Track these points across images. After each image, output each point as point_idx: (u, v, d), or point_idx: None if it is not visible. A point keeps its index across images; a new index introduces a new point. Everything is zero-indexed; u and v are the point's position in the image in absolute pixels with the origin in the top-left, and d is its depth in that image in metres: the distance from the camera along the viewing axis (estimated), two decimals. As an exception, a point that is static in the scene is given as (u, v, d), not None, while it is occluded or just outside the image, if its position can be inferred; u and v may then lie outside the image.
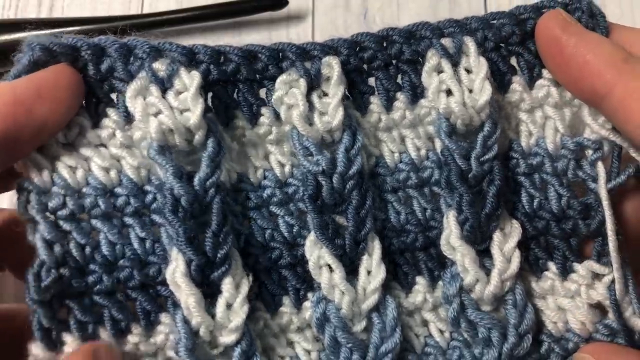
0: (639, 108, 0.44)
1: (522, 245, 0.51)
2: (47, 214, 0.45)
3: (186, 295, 0.45)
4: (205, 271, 0.46)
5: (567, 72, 0.48)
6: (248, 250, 0.49)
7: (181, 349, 0.45)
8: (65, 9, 0.81)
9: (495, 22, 0.51)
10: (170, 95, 0.46)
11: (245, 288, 0.47)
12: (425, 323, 0.52)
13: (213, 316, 0.46)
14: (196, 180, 0.46)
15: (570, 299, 0.51)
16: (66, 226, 0.45)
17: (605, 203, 0.49)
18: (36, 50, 0.45)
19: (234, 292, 0.46)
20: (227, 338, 0.46)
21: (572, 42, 0.47)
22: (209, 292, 0.47)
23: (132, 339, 0.47)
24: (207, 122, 0.46)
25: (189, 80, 0.46)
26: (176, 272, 0.45)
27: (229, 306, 0.46)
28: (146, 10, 0.81)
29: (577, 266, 0.51)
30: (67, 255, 0.45)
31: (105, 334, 0.46)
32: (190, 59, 0.47)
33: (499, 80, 0.52)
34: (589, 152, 0.50)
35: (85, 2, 0.82)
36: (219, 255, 0.46)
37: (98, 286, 0.45)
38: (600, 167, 0.50)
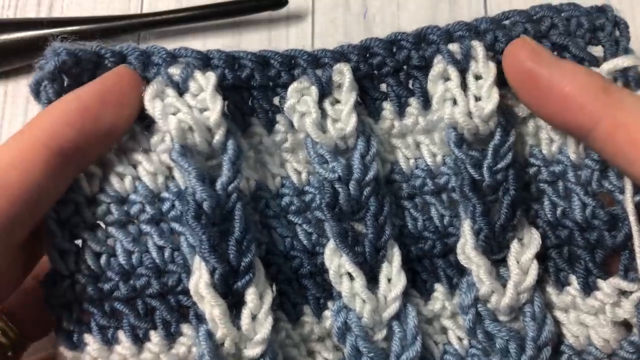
0: (628, 141, 0.42)
1: (543, 254, 0.48)
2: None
3: (211, 306, 0.44)
4: (229, 281, 0.44)
5: (545, 105, 0.45)
6: (269, 260, 0.48)
7: None
8: (65, 8, 0.80)
9: (507, 22, 0.49)
10: (187, 97, 0.45)
11: (269, 298, 0.46)
12: (444, 330, 0.50)
13: (238, 328, 0.44)
14: (218, 184, 0.44)
15: (593, 316, 0.48)
16: (81, 233, 0.45)
17: (632, 218, 0.46)
18: (62, 56, 0.44)
19: (258, 303, 0.45)
20: (252, 351, 0.45)
21: (546, 74, 0.44)
22: (232, 303, 0.45)
23: (153, 347, 0.46)
24: (228, 124, 0.45)
25: (205, 81, 0.45)
26: (200, 282, 0.44)
27: (253, 317, 0.45)
28: (146, 10, 0.79)
29: (601, 283, 0.48)
30: (81, 262, 0.45)
31: (124, 339, 0.45)
32: (205, 63, 0.46)
33: None
34: None
35: (84, 2, 0.80)
36: (242, 263, 0.44)
37: (115, 293, 0.45)
38: (628, 179, 0.47)
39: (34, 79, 0.44)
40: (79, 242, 0.46)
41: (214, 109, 0.45)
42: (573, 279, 0.49)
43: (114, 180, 0.46)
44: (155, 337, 0.46)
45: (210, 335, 0.44)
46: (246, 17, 0.78)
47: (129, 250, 0.46)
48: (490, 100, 0.46)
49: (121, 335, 0.46)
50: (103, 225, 0.46)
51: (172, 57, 0.46)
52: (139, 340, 0.46)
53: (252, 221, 0.47)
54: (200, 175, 0.44)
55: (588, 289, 0.48)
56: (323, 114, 0.48)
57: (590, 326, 0.48)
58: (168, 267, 0.46)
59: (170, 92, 0.45)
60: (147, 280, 0.45)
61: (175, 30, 0.78)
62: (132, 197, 0.46)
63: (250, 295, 0.45)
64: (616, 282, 0.48)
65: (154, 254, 0.46)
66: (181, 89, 0.45)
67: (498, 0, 0.78)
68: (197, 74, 0.45)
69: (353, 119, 0.47)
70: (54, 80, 0.44)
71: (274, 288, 0.47)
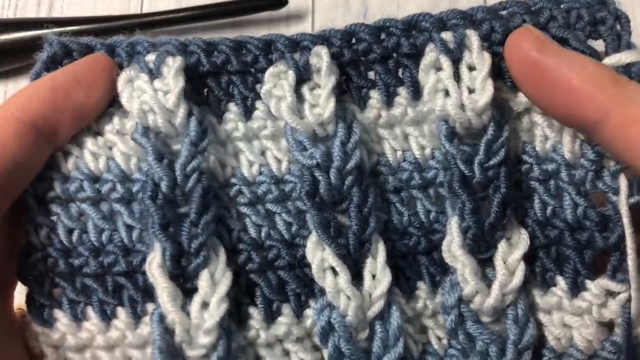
0: (638, 136, 0.40)
1: (530, 254, 0.46)
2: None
3: (161, 288, 0.43)
4: (182, 263, 0.43)
5: (550, 97, 0.43)
6: (238, 248, 0.46)
7: (154, 350, 0.42)
8: (65, 8, 0.80)
9: (504, 12, 0.47)
10: (156, 81, 0.45)
11: (224, 286, 0.43)
12: (424, 330, 0.48)
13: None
14: (177, 165, 0.44)
15: (578, 317, 0.46)
16: (55, 209, 0.46)
17: (625, 220, 0.44)
18: (54, 46, 0.47)
19: (210, 289, 0.43)
20: (202, 340, 0.43)
21: (553, 65, 0.42)
22: (189, 289, 0.44)
23: (119, 324, 0.46)
24: (189, 104, 0.45)
25: (172, 63, 0.45)
26: (152, 262, 0.43)
27: (204, 304, 0.43)
28: (145, 10, 0.79)
29: (589, 283, 0.46)
30: (54, 237, 0.46)
31: (92, 315, 0.46)
32: (182, 50, 0.46)
33: (509, 76, 0.47)
34: (611, 163, 0.46)
35: (84, 2, 0.80)
36: (193, 245, 0.43)
37: (85, 269, 0.46)
38: (623, 180, 0.45)
39: (34, 71, 0.47)
40: (54, 218, 0.47)
41: (174, 90, 0.44)
42: (560, 279, 0.47)
43: (89, 159, 0.47)
44: (122, 314, 0.46)
45: (161, 318, 0.43)
46: (246, 17, 0.77)
47: (100, 228, 0.46)
48: (484, 93, 0.44)
49: (90, 311, 0.46)
50: (77, 203, 0.47)
51: (153, 47, 0.47)
52: (107, 317, 0.46)
53: (214, 205, 0.45)
54: (159, 154, 0.44)
55: (576, 289, 0.47)
56: (301, 99, 0.46)
57: (575, 327, 0.47)
58: (136, 247, 0.46)
59: (143, 76, 0.45)
60: (115, 258, 0.46)
61: (175, 30, 0.78)
62: (105, 175, 0.46)
63: (203, 280, 0.43)
64: (605, 282, 0.46)
65: (123, 233, 0.46)
66: (154, 75, 0.46)
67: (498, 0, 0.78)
68: (169, 59, 0.45)
69: (331, 104, 0.45)
70: (48, 70, 0.46)
71: (230, 275, 0.44)
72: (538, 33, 0.44)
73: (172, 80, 0.45)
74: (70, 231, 0.46)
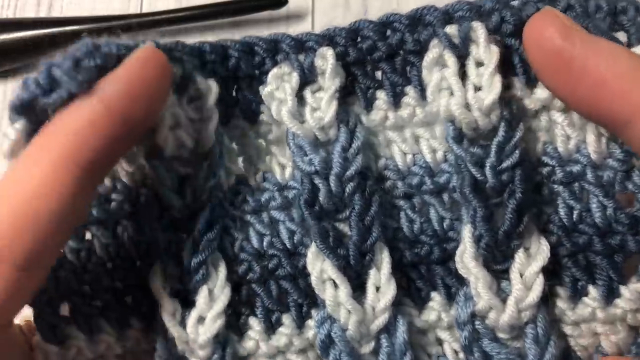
0: None
1: (557, 264, 0.43)
2: None
3: (162, 304, 0.42)
4: (184, 279, 0.43)
5: (576, 92, 0.38)
6: (240, 258, 0.45)
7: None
8: (65, 8, 0.79)
9: (515, 2, 0.43)
10: (184, 101, 0.42)
11: (221, 302, 0.42)
12: (439, 342, 0.45)
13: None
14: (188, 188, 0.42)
15: (610, 324, 0.43)
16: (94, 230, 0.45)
17: None
18: (99, 55, 0.36)
19: (207, 306, 0.42)
20: (199, 352, 0.42)
21: (581, 55, 0.37)
22: (192, 302, 0.43)
23: (134, 333, 0.45)
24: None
25: (206, 87, 0.42)
26: (153, 276, 0.43)
27: (201, 319, 0.42)
28: (145, 10, 0.78)
29: (623, 289, 0.43)
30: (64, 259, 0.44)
31: (107, 328, 0.44)
32: (202, 60, 0.43)
33: (523, 71, 0.43)
34: None
35: (84, 2, 0.79)
36: (193, 263, 0.42)
37: (97, 285, 0.44)
38: None
39: (21, 97, 0.36)
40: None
41: (213, 121, 0.42)
42: (591, 288, 0.44)
43: (126, 179, 0.45)
44: (136, 323, 0.45)
45: (164, 330, 0.43)
46: (246, 16, 0.77)
47: (107, 245, 0.45)
48: (491, 90, 0.41)
49: (102, 322, 0.45)
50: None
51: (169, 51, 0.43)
52: (120, 328, 0.45)
53: (228, 218, 0.44)
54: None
55: (611, 297, 0.43)
56: (303, 102, 0.44)
57: (605, 335, 0.44)
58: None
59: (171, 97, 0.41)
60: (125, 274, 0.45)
61: (175, 30, 0.78)
62: (113, 195, 0.45)
63: (201, 296, 0.42)
64: (638, 286, 0.43)
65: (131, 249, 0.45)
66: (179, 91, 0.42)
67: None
68: (199, 80, 0.42)
69: (333, 108, 0.43)
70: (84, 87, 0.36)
71: (228, 290, 0.43)
72: (562, 17, 0.39)
73: (208, 108, 0.42)
74: (77, 251, 0.45)
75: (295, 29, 0.78)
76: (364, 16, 0.78)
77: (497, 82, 0.41)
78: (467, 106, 0.42)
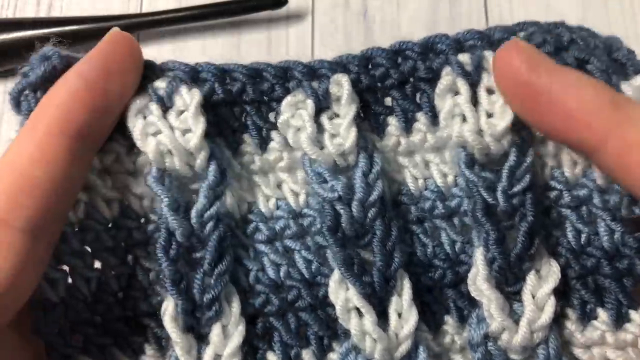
0: (638, 162, 0.37)
1: (565, 286, 0.44)
2: None
3: (174, 341, 0.42)
4: (196, 314, 0.42)
5: (544, 122, 0.40)
6: (257, 289, 0.44)
7: None
8: (64, 8, 0.79)
9: (522, 33, 0.44)
10: (171, 115, 0.42)
11: (237, 338, 0.42)
12: None
13: None
14: (193, 212, 0.42)
15: (621, 350, 0.44)
16: (69, 260, 0.42)
17: None
18: (54, 59, 0.41)
19: (221, 343, 0.41)
20: None
21: (546, 86, 0.39)
22: (207, 336, 0.42)
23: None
24: (210, 145, 0.42)
25: (189, 97, 0.42)
26: (166, 314, 0.42)
27: (217, 357, 0.41)
28: (145, 10, 0.79)
29: (633, 314, 0.44)
30: (71, 287, 0.43)
31: (121, 357, 0.44)
32: (194, 77, 0.43)
33: None
34: None
35: (84, 2, 0.79)
36: (205, 298, 0.41)
37: (109, 314, 0.43)
38: None
39: (17, 87, 0.41)
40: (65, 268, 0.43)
41: (195, 132, 0.41)
42: (601, 311, 0.44)
43: (101, 205, 0.43)
44: (150, 350, 0.44)
45: None
46: (246, 16, 0.77)
47: (118, 275, 0.44)
48: (504, 117, 0.42)
49: (116, 351, 0.44)
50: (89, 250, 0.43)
51: (160, 71, 0.43)
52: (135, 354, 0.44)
53: (240, 247, 0.44)
54: (174, 203, 0.42)
55: (620, 321, 0.44)
56: (320, 129, 0.44)
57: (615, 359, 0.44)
58: (155, 289, 0.44)
59: (154, 108, 0.42)
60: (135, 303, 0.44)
61: (174, 30, 0.78)
62: (121, 221, 0.44)
63: (215, 334, 0.42)
64: None
65: (143, 278, 0.44)
66: (166, 105, 0.42)
67: (498, 0, 0.78)
68: (183, 89, 0.42)
69: (352, 134, 0.43)
70: (37, 90, 0.41)
71: (242, 327, 0.42)
72: (529, 48, 0.40)
73: (192, 118, 0.42)
74: (88, 280, 0.43)
75: (295, 29, 0.78)
76: (364, 16, 0.78)
77: (509, 109, 0.42)
78: (480, 132, 0.43)
